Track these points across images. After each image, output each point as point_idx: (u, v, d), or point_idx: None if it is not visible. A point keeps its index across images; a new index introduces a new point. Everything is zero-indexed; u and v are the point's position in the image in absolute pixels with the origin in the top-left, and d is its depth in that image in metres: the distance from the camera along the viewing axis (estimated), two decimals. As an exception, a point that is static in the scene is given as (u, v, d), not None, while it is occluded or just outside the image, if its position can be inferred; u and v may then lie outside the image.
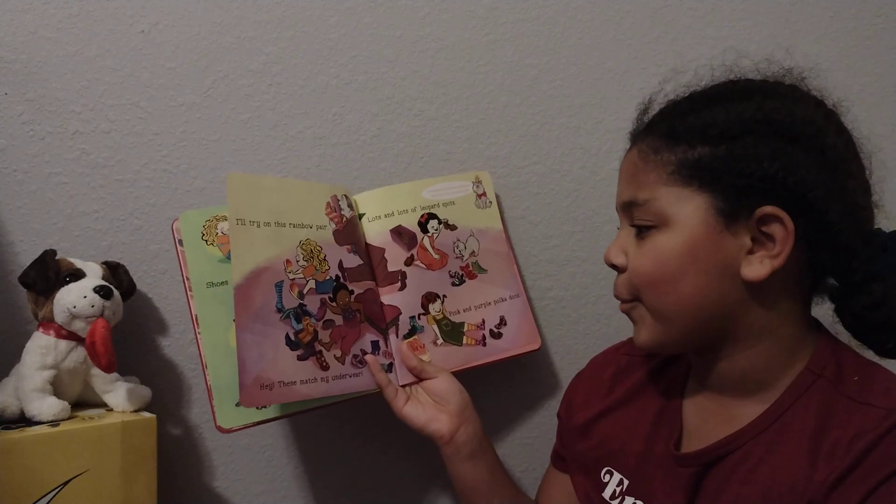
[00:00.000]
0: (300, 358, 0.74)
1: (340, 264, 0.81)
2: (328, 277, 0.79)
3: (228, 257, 0.75)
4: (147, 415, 0.76)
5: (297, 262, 0.77)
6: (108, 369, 0.74)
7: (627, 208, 0.65)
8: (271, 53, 0.90)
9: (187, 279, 0.77)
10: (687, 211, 0.60)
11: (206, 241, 0.78)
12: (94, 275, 0.79)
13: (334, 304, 0.79)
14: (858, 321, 0.62)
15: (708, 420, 0.66)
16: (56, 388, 0.76)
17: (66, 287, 0.77)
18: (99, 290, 0.76)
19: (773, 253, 0.59)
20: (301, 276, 0.77)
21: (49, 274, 0.77)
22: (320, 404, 0.78)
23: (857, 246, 0.60)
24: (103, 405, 0.79)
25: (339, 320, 0.79)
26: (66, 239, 0.85)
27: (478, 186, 0.92)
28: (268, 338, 0.72)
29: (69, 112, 0.85)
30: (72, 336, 0.77)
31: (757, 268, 0.59)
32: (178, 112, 0.88)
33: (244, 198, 0.75)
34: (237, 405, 0.71)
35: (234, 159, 0.89)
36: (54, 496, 0.68)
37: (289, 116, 0.91)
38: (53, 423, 0.72)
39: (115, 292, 0.79)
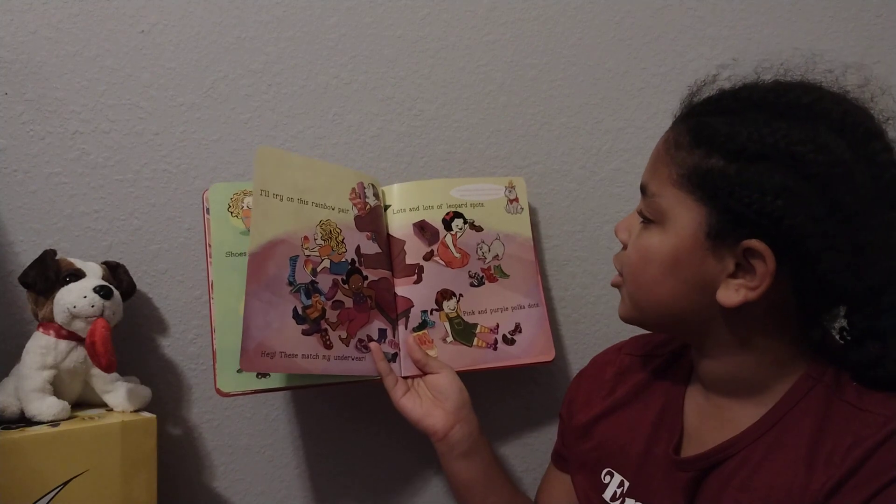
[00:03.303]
0: (305, 332, 0.76)
1: (358, 249, 0.82)
2: (343, 260, 0.81)
3: (249, 231, 0.77)
4: (147, 415, 0.76)
5: (315, 240, 0.79)
6: (108, 369, 0.74)
7: (642, 190, 0.65)
8: (271, 53, 0.90)
9: (209, 246, 0.81)
10: (683, 219, 0.60)
11: (232, 212, 0.81)
12: (94, 275, 0.79)
13: (346, 286, 0.81)
14: (855, 373, 0.59)
15: (707, 423, 0.66)
16: (56, 388, 0.76)
17: (66, 287, 0.77)
18: (99, 290, 0.76)
19: (752, 285, 0.57)
20: (317, 254, 0.79)
21: (49, 274, 0.77)
22: (319, 381, 0.80)
23: (860, 299, 0.58)
24: (103, 405, 0.79)
25: (348, 303, 0.80)
26: (66, 239, 0.85)
27: (510, 191, 0.92)
28: (276, 308, 0.74)
29: (69, 112, 0.85)
30: (72, 336, 0.77)
31: (731, 295, 0.58)
32: (178, 112, 0.88)
33: (270, 171, 0.77)
34: (238, 371, 0.74)
35: (234, 159, 0.89)
36: (54, 496, 0.68)
37: (289, 116, 0.91)
38: (53, 423, 0.72)
39: (115, 292, 0.79)
